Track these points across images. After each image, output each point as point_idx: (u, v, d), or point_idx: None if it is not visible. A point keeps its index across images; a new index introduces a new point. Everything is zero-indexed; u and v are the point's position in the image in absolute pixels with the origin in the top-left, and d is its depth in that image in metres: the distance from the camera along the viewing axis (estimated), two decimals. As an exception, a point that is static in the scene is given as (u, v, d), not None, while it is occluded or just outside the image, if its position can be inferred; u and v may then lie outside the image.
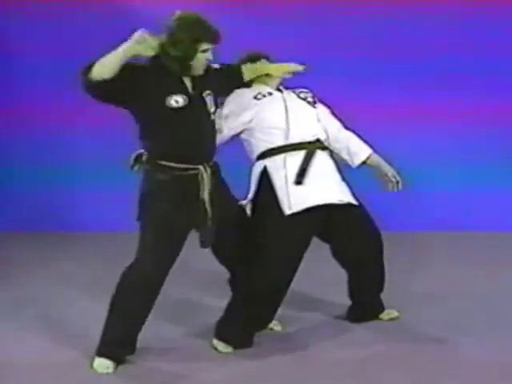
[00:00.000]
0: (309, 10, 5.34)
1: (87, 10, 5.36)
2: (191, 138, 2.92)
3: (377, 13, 5.34)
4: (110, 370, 2.93)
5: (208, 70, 2.99)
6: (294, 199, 3.06)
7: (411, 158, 5.16)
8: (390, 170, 3.32)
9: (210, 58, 2.93)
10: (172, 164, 2.90)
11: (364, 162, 3.32)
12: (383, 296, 3.50)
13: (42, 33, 5.45)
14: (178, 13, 2.89)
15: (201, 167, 2.94)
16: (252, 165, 3.25)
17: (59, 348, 3.20)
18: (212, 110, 3.01)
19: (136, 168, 3.00)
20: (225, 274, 3.35)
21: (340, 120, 3.41)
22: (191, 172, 2.92)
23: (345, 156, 3.33)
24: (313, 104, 3.32)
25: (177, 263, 2.99)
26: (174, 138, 2.91)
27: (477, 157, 5.52)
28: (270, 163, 3.14)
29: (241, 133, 3.24)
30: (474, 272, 4.38)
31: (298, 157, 3.12)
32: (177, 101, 2.89)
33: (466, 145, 5.50)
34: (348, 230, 3.28)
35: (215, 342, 3.16)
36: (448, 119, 5.46)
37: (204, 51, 2.88)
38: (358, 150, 3.32)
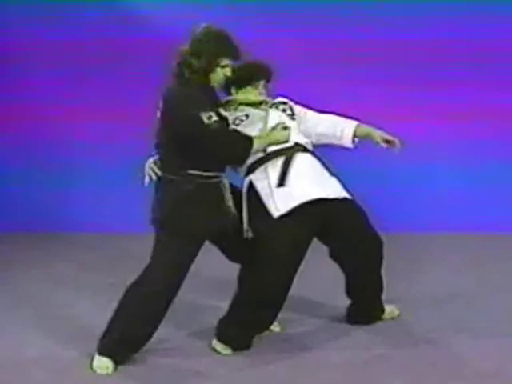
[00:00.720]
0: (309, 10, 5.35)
1: (87, 10, 5.36)
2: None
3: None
4: (110, 371, 2.93)
5: None
6: (279, 201, 3.07)
7: (411, 157, 5.15)
8: (378, 136, 3.28)
9: (229, 74, 2.95)
10: (201, 173, 2.93)
11: (355, 136, 3.30)
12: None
13: (42, 32, 5.45)
14: (204, 25, 2.91)
15: (223, 174, 3.03)
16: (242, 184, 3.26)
17: (59, 348, 3.20)
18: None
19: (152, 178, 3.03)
20: (228, 276, 3.36)
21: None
22: (214, 180, 2.99)
23: (336, 142, 3.32)
24: (292, 116, 3.32)
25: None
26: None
27: (477, 157, 5.51)
28: (254, 176, 3.16)
29: None
30: (474, 273, 4.38)
31: (277, 163, 3.14)
32: (220, 114, 2.95)
33: (466, 145, 5.49)
34: (344, 232, 3.25)
35: (214, 342, 3.17)
36: (448, 119, 5.45)
37: (224, 66, 2.91)
38: (343, 131, 3.29)
